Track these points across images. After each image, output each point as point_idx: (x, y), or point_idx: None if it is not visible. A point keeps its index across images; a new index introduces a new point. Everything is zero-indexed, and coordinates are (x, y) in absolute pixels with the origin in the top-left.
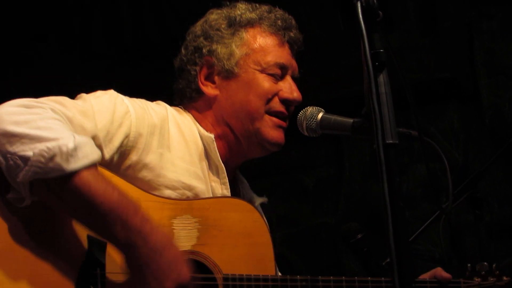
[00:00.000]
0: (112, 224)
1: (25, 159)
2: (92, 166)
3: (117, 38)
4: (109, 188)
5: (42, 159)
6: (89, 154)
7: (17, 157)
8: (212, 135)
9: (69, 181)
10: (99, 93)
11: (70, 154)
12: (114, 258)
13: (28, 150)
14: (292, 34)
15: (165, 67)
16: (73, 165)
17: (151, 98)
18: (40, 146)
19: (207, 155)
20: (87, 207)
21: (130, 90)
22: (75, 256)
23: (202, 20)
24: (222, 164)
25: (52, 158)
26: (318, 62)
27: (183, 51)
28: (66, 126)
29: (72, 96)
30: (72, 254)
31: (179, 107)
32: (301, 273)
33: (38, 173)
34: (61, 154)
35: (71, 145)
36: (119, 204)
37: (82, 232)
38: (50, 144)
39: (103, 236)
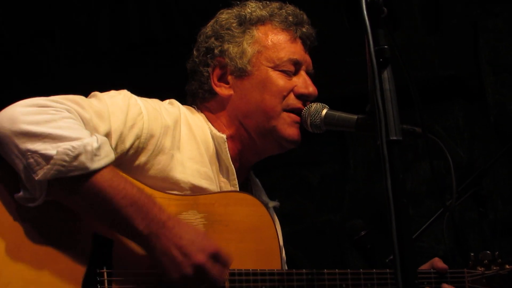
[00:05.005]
0: (134, 215)
1: (47, 157)
2: (111, 164)
3: (123, 36)
4: (128, 184)
5: (67, 158)
6: (109, 153)
7: (38, 155)
8: (224, 136)
9: (91, 178)
10: (113, 92)
11: (94, 153)
12: (120, 256)
13: (50, 148)
14: (304, 30)
15: (170, 64)
16: (97, 163)
17: (156, 95)
18: (64, 145)
19: (218, 155)
20: (109, 202)
21: (135, 87)
22: (81, 255)
23: (213, 20)
24: (233, 166)
25: (77, 157)
26: (323, 59)
27: (195, 52)
28: (82, 125)
29: (77, 93)
30: (78, 253)
31: (192, 106)
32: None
33: (61, 171)
34: (86, 153)
35: (95, 144)
36: (139, 198)
37: (88, 231)
38: (74, 143)
39: (122, 229)
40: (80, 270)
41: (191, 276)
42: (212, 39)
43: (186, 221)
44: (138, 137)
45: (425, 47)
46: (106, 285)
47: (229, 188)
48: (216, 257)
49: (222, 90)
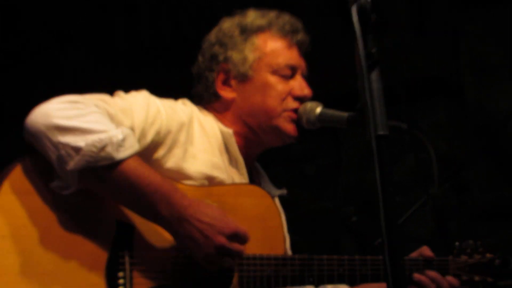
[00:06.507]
0: (158, 202)
1: (77, 149)
2: (135, 154)
3: (136, 39)
4: (152, 172)
5: (94, 149)
6: (133, 144)
7: (69, 147)
8: (230, 130)
9: (118, 168)
10: (134, 93)
11: (120, 144)
12: (141, 241)
13: (80, 141)
14: (299, 37)
15: (178, 65)
16: (122, 153)
17: (166, 92)
18: (92, 137)
19: (227, 149)
20: (134, 189)
21: (146, 85)
22: (105, 239)
23: (216, 28)
24: (241, 157)
25: (103, 148)
26: (317, 61)
27: (200, 58)
28: (109, 120)
29: (98, 90)
30: (102, 238)
31: (200, 106)
32: (303, 252)
33: (90, 161)
34: (111, 144)
35: (120, 136)
36: (162, 185)
37: (111, 217)
38: (101, 136)
39: (147, 213)
40: (103, 254)
41: (213, 255)
42: (216, 46)
43: (206, 204)
44: (158, 133)
45: (411, 50)
46: (127, 267)
47: (239, 177)
48: (235, 236)
49: (227, 93)
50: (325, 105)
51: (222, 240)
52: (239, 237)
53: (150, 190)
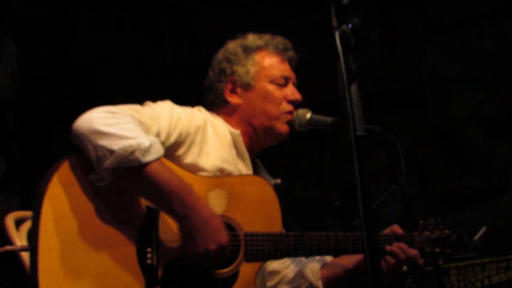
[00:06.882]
0: (174, 201)
1: (111, 151)
2: (159, 159)
3: (159, 59)
4: (172, 175)
5: (125, 153)
6: (158, 150)
7: (105, 149)
8: (238, 131)
9: (144, 169)
10: (160, 103)
11: (146, 150)
12: (166, 223)
13: (114, 145)
14: (290, 54)
15: (195, 80)
16: (148, 158)
17: (185, 104)
18: (124, 143)
19: (235, 146)
20: (156, 188)
21: (169, 97)
22: (136, 221)
23: (223, 48)
24: (247, 153)
25: (133, 152)
26: (308, 75)
27: (210, 73)
28: (141, 128)
29: (129, 100)
30: (133, 219)
31: (212, 112)
32: (296, 230)
33: (121, 162)
34: (139, 150)
35: (147, 143)
36: (179, 187)
37: (142, 203)
38: (131, 142)
39: (165, 209)
40: (135, 233)
41: (201, 255)
42: (224, 62)
43: (212, 213)
44: (179, 135)
45: (383, 67)
46: (154, 243)
47: (245, 169)
48: (222, 249)
49: (234, 100)
50: (314, 111)
51: (213, 247)
52: (224, 251)
53: (169, 190)
